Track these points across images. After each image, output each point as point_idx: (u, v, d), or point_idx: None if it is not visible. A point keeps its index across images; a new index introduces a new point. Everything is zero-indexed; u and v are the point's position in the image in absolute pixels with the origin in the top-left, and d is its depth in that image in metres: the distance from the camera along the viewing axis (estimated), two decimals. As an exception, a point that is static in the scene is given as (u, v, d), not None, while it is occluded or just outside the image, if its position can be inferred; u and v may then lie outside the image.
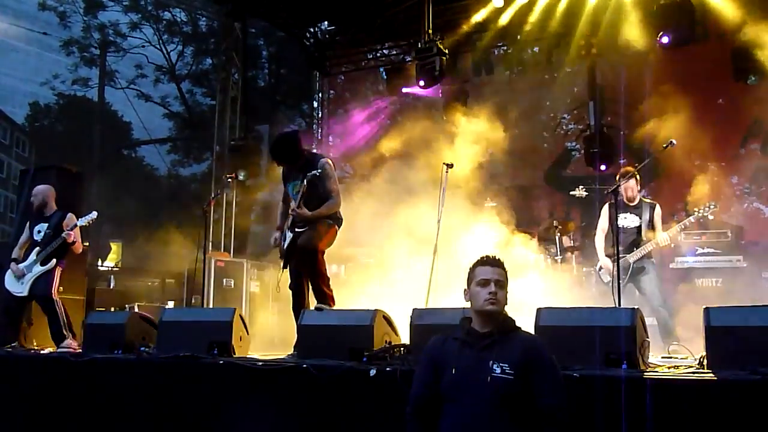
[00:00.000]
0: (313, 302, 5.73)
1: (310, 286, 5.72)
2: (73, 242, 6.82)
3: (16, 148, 42.07)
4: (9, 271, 6.85)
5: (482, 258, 3.22)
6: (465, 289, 3.22)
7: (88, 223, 6.86)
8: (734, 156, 10.87)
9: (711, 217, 6.70)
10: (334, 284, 5.91)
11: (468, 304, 3.20)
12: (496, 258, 3.21)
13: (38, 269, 6.72)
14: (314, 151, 5.99)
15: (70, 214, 6.90)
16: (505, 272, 3.19)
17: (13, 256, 6.91)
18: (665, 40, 8.87)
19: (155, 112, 28.40)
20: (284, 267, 5.90)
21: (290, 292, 5.83)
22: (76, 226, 6.78)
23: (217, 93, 12.75)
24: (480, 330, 3.12)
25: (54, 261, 6.73)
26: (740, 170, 10.87)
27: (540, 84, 12.45)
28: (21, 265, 6.79)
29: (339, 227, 5.91)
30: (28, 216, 7.19)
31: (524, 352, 3.01)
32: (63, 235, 6.69)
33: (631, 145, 10.35)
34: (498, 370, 2.95)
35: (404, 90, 12.20)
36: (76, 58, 27.38)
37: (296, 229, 5.77)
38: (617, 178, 6.65)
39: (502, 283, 3.14)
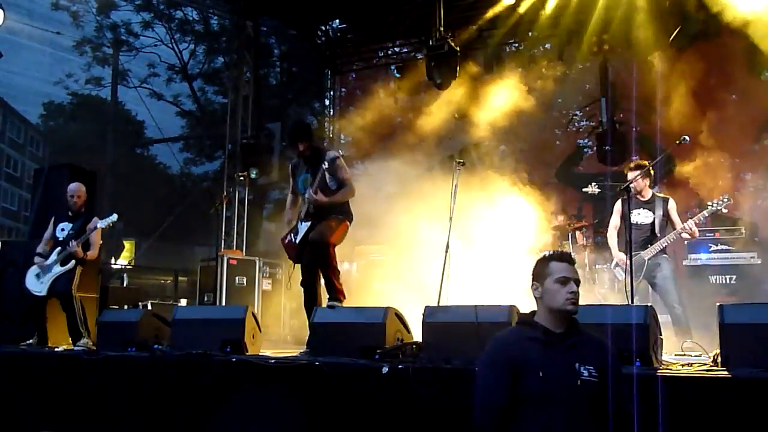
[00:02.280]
0: (325, 298, 5.75)
1: (322, 280, 5.74)
2: (85, 254, 6.78)
3: (30, 147, 42.44)
4: (30, 270, 6.85)
5: (558, 253, 3.08)
6: (534, 283, 3.06)
7: (109, 225, 6.83)
8: (748, 152, 10.75)
9: (725, 211, 6.62)
10: (346, 281, 5.92)
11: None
12: (571, 255, 3.11)
13: (58, 269, 6.73)
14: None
15: (94, 218, 6.88)
16: None
17: (38, 250, 6.90)
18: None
19: (168, 111, 28.48)
20: (297, 261, 5.91)
21: (302, 288, 5.85)
22: (95, 229, 6.76)
23: (229, 91, 12.81)
24: (553, 329, 2.98)
25: (74, 261, 6.73)
26: (754, 166, 10.76)
27: (551, 81, 12.38)
28: (45, 262, 6.78)
29: (350, 223, 5.96)
30: (55, 212, 7.14)
31: (601, 353, 2.94)
32: (68, 249, 6.66)
33: (644, 141, 10.30)
34: (585, 373, 2.86)
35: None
36: (89, 58, 27.52)
37: (310, 219, 5.80)
38: (625, 170, 6.59)
39: (579, 282, 3.04)
